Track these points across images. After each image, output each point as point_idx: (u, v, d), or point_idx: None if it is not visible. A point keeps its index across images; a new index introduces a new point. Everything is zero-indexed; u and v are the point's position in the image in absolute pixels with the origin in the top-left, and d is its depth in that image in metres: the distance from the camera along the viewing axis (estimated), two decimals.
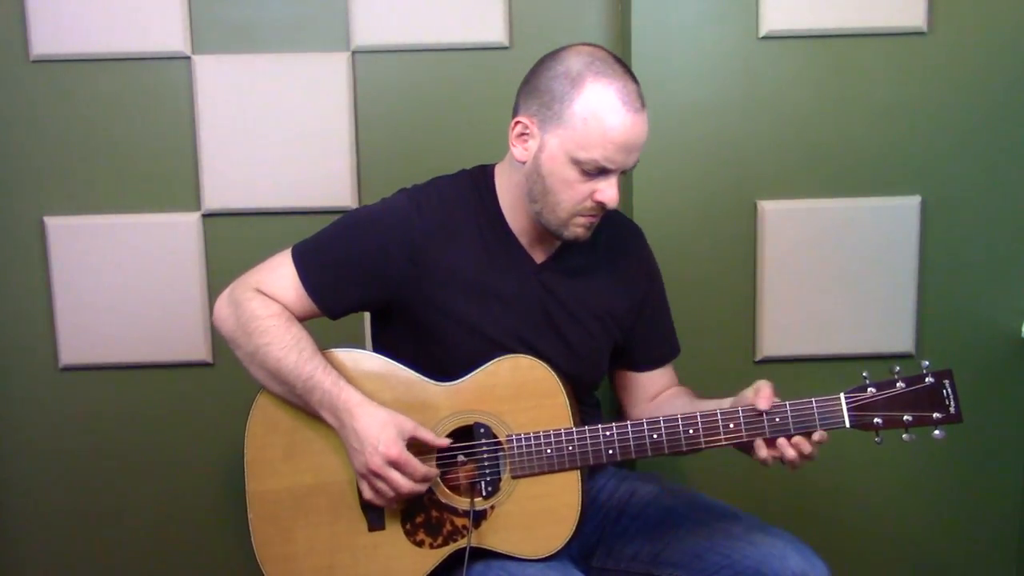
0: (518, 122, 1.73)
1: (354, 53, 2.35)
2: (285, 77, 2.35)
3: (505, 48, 2.36)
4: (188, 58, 2.34)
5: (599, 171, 1.68)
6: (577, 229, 1.75)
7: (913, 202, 2.37)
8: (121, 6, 2.31)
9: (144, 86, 2.35)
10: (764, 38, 2.31)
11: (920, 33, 2.31)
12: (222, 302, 1.84)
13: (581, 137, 1.66)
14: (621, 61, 1.72)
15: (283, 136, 2.36)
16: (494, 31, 2.35)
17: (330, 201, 2.38)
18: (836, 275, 2.38)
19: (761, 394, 1.70)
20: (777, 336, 2.40)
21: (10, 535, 2.50)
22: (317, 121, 2.36)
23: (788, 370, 2.41)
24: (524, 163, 1.74)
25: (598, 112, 1.65)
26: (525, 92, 1.74)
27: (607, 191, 1.70)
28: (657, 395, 1.98)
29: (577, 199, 1.71)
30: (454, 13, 2.34)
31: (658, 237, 1.97)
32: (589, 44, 1.75)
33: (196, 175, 2.37)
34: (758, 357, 2.42)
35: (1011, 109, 2.34)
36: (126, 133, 2.37)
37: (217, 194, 2.38)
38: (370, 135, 2.38)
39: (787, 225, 2.37)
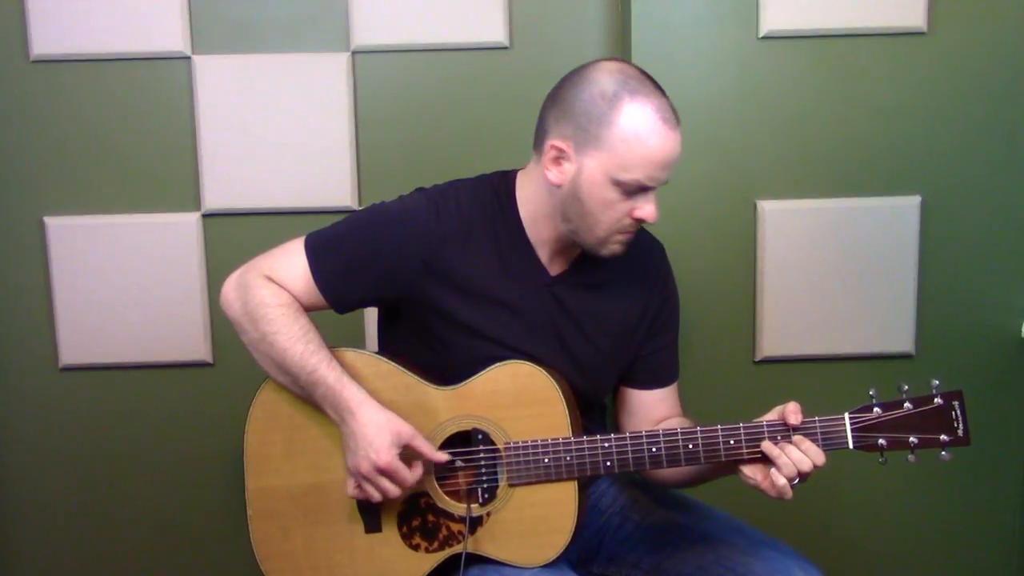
0: (553, 146, 1.69)
1: (354, 53, 2.35)
2: (285, 77, 2.35)
3: (505, 48, 2.36)
4: (188, 58, 2.34)
5: (639, 189, 1.67)
6: (615, 246, 1.74)
7: (913, 202, 2.37)
8: (121, 6, 2.31)
9: (144, 86, 2.35)
10: (764, 38, 2.31)
11: (920, 33, 2.31)
12: (230, 285, 1.82)
13: (623, 159, 1.64)
14: (651, 77, 1.69)
15: (283, 136, 2.36)
16: (494, 31, 2.35)
17: (330, 201, 2.38)
18: (836, 275, 2.38)
19: (789, 408, 1.68)
20: (777, 336, 2.40)
21: (10, 535, 2.50)
22: (317, 121, 2.36)
23: (788, 370, 2.41)
24: (559, 186, 1.71)
25: (639, 132, 1.63)
26: (556, 114, 1.70)
27: (647, 207, 1.68)
28: (659, 421, 1.92)
29: (617, 218, 1.69)
30: (454, 13, 2.34)
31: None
32: (615, 60, 1.73)
33: (196, 175, 2.37)
34: (758, 357, 2.41)
35: (1011, 109, 2.34)
36: (126, 133, 2.37)
37: (217, 194, 2.38)
38: (370, 135, 2.38)
39: (787, 225, 2.37)
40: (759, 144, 2.35)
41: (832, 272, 2.38)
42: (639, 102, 1.63)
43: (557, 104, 1.70)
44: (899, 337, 2.40)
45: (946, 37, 2.31)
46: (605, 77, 1.66)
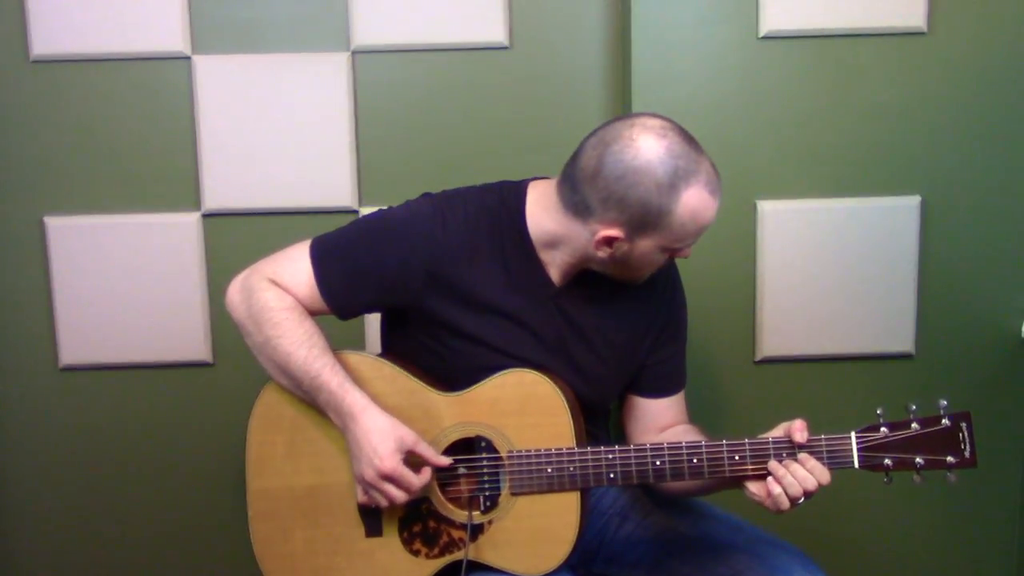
0: (606, 237, 1.66)
1: (354, 53, 2.35)
2: (285, 77, 2.35)
3: (505, 48, 2.36)
4: (188, 58, 2.34)
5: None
6: (645, 278, 1.80)
7: (913, 202, 2.36)
8: (121, 6, 2.31)
9: (144, 86, 2.35)
10: (764, 38, 2.30)
11: (920, 33, 2.31)
12: (235, 287, 1.82)
13: (679, 235, 1.66)
14: (692, 139, 1.66)
15: (283, 136, 2.36)
16: (494, 31, 2.35)
17: (330, 201, 2.38)
18: (836, 275, 2.38)
19: (795, 426, 1.68)
20: (777, 336, 2.40)
21: (10, 535, 2.50)
22: (317, 121, 2.36)
23: (788, 370, 2.41)
24: (607, 257, 1.71)
25: (696, 213, 1.63)
26: (602, 199, 1.64)
27: (687, 251, 1.73)
28: (665, 428, 1.92)
29: (657, 267, 1.75)
30: (454, 13, 2.34)
31: None
32: (652, 129, 1.64)
33: (196, 175, 2.37)
34: (758, 357, 2.42)
35: (1011, 109, 2.33)
36: (126, 133, 2.36)
37: (217, 194, 2.38)
38: (370, 135, 2.38)
39: (787, 225, 2.37)
40: (759, 144, 2.35)
41: (832, 272, 2.38)
42: (694, 186, 1.62)
43: (602, 186, 1.64)
44: (899, 337, 2.41)
45: (946, 37, 2.31)
46: (656, 164, 1.61)
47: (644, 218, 1.63)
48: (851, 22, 2.30)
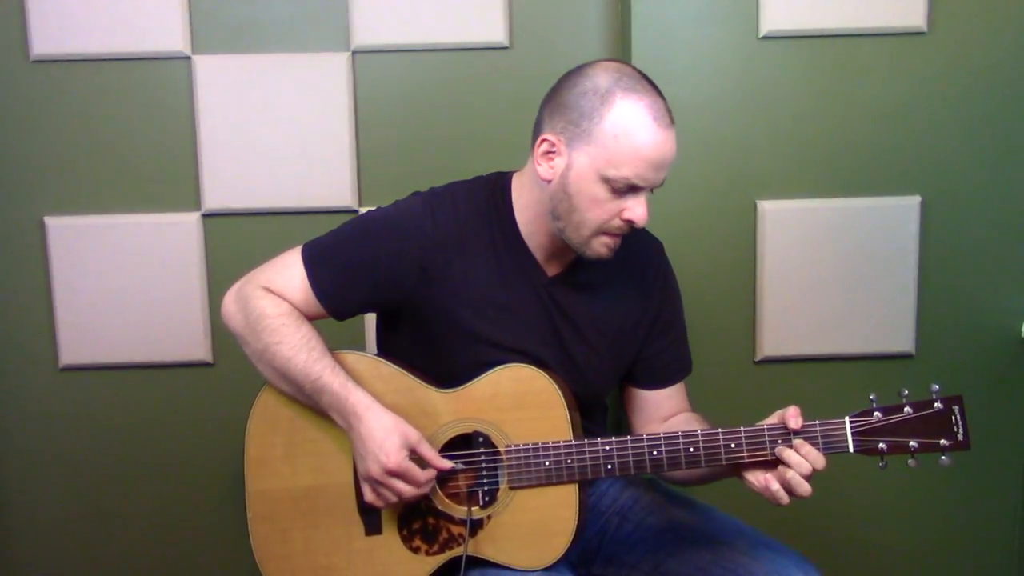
0: (544, 140, 1.69)
1: (354, 53, 2.35)
2: (285, 77, 2.35)
3: (505, 48, 2.36)
4: (188, 58, 2.34)
5: (629, 189, 1.66)
6: (600, 248, 1.72)
7: (913, 202, 2.36)
8: (121, 6, 2.31)
9: (144, 86, 2.35)
10: (764, 38, 2.31)
11: (920, 33, 2.31)
12: (230, 298, 1.82)
13: (612, 154, 1.63)
14: (648, 78, 1.68)
15: (283, 136, 2.36)
16: (494, 31, 2.35)
17: (330, 201, 2.38)
18: (836, 275, 2.38)
19: (789, 412, 1.68)
20: (777, 336, 2.40)
21: (10, 535, 2.50)
22: (317, 121, 2.36)
23: (788, 370, 2.41)
24: (549, 181, 1.70)
25: (629, 129, 1.62)
26: (549, 109, 1.70)
27: (636, 209, 1.67)
28: (668, 418, 1.93)
29: (604, 218, 1.68)
30: (454, 13, 2.34)
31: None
32: (615, 60, 1.73)
33: (196, 175, 2.37)
34: (758, 357, 2.42)
35: (1011, 109, 2.34)
36: (126, 133, 2.37)
37: (217, 194, 2.38)
38: (370, 135, 2.38)
39: (787, 225, 2.37)
40: (759, 144, 2.35)
41: (832, 272, 2.38)
42: (631, 99, 1.63)
43: (552, 99, 1.71)
44: (899, 337, 2.41)
45: (946, 37, 2.31)
46: (601, 74, 1.66)
47: (579, 122, 1.65)
48: (851, 22, 2.30)
